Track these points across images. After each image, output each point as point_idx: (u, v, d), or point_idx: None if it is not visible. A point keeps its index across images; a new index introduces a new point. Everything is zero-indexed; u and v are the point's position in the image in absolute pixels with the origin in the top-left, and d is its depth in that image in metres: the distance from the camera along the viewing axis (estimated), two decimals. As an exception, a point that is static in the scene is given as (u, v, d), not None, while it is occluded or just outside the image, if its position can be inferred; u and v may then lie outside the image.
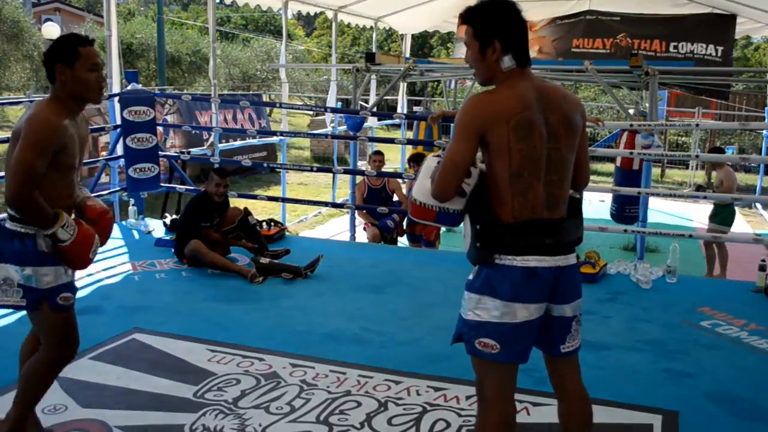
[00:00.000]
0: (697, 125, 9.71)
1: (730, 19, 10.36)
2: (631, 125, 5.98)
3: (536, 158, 2.08)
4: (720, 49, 10.20)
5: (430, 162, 2.25)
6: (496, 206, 2.11)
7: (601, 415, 2.94)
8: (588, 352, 3.62)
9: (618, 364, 3.61)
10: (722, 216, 6.68)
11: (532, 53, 11.99)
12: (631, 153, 5.98)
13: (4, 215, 2.59)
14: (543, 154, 2.09)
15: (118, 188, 6.90)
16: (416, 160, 6.64)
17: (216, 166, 6.32)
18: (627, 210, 7.08)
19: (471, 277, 2.19)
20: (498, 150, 2.06)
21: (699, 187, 7.12)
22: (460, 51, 12.59)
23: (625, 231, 6.21)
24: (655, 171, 17.61)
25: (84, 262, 2.54)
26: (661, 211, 8.33)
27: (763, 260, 5.06)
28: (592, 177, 12.50)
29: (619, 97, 17.66)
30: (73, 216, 2.55)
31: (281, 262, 5.22)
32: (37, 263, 2.46)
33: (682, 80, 8.71)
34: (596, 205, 10.97)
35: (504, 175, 2.07)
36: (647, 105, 6.84)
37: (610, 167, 14.26)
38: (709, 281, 6.04)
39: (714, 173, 6.69)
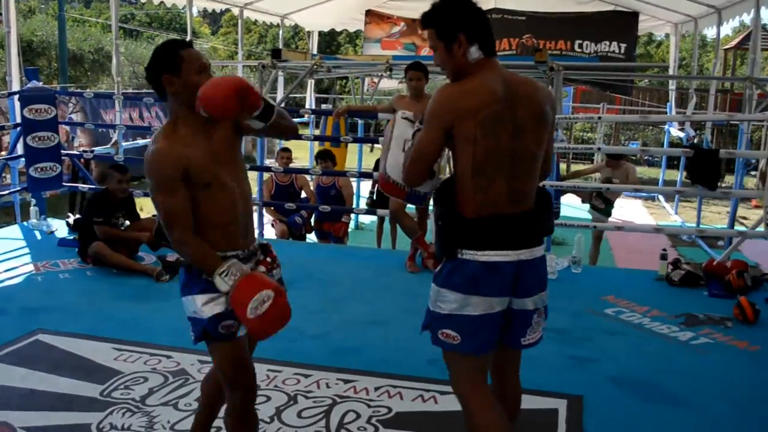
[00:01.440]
0: (599, 118, 10.15)
1: (632, 17, 10.86)
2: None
3: (501, 153, 2.07)
4: (623, 46, 10.69)
5: (403, 128, 2.31)
6: (460, 201, 2.13)
7: None
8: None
9: (525, 352, 3.73)
10: (608, 209, 6.93)
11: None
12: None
13: None
14: (508, 148, 2.08)
15: (19, 188, 6.64)
16: (323, 157, 6.68)
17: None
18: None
19: (436, 270, 2.22)
20: (464, 144, 2.06)
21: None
22: (369, 49, 12.71)
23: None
24: (561, 166, 18.29)
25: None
26: (567, 204, 8.67)
27: (664, 250, 5.36)
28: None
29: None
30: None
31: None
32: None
33: (587, 76, 9.12)
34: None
35: (467, 169, 2.08)
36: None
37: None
38: (614, 270, 6.29)
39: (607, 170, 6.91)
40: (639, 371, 3.51)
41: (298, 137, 8.02)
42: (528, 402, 3.06)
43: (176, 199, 2.12)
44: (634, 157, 20.18)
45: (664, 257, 5.20)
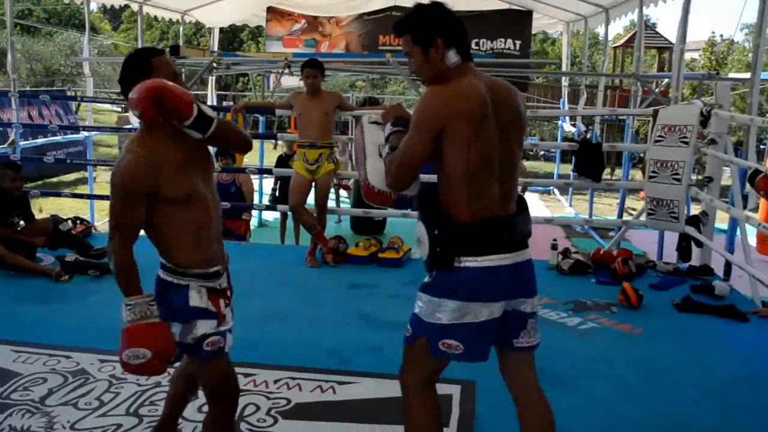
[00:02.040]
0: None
1: (526, 15, 11.22)
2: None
3: (491, 155, 2.05)
4: (518, 43, 11.03)
5: (374, 134, 2.24)
6: (451, 206, 2.08)
7: (386, 388, 3.12)
8: (393, 332, 3.87)
9: None
10: None
11: (340, 49, 12.27)
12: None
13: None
14: (497, 150, 2.06)
15: None
16: (223, 154, 6.62)
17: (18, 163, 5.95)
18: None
19: (428, 279, 2.15)
20: (456, 146, 2.01)
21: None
22: (271, 46, 12.64)
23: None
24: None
25: None
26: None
27: (555, 240, 5.61)
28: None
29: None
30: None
31: (88, 259, 5.03)
32: None
33: (482, 72, 9.37)
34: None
35: (460, 172, 2.03)
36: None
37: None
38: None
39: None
40: (529, 356, 3.67)
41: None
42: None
43: (132, 213, 2.09)
44: (531, 152, 20.94)
45: (554, 247, 5.45)
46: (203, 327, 2.19)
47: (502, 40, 10.89)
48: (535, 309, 2.23)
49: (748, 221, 4.71)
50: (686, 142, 4.95)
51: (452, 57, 2.10)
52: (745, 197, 4.98)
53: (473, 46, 10.66)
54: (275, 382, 3.21)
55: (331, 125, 5.39)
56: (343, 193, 9.65)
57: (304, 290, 4.65)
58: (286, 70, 7.67)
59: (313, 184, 5.35)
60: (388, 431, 2.82)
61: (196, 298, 2.19)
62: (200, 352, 2.20)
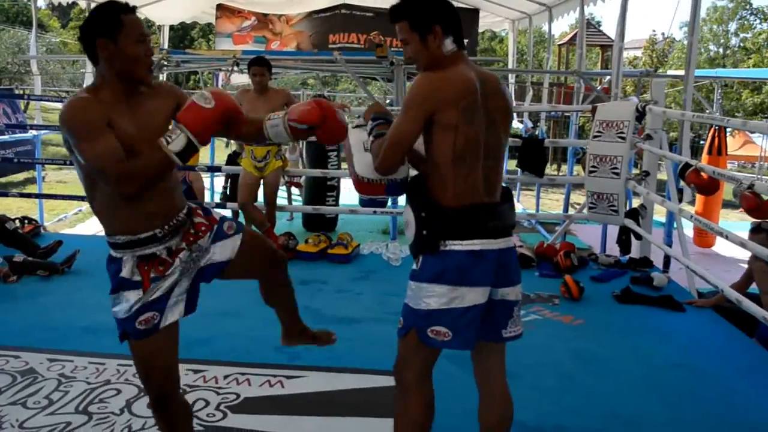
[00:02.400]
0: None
1: (473, 14, 11.36)
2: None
3: (477, 142, 2.08)
4: (465, 41, 11.20)
5: (358, 135, 2.23)
6: (437, 191, 2.11)
7: (353, 381, 3.25)
8: (342, 327, 3.95)
9: (368, 335, 3.90)
10: None
11: (291, 48, 12.21)
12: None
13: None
14: (483, 138, 2.09)
15: None
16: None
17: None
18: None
19: (415, 266, 2.15)
20: (444, 131, 2.04)
21: None
22: (221, 43, 12.55)
23: (375, 213, 6.67)
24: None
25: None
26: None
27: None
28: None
29: (379, 87, 18.55)
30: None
31: (37, 259, 4.99)
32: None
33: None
34: (353, 190, 11.48)
35: (447, 157, 2.06)
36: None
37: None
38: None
39: None
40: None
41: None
42: (371, 381, 3.25)
43: (105, 140, 1.93)
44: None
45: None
46: (131, 297, 2.10)
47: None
48: (519, 297, 2.25)
49: (681, 214, 4.91)
50: (623, 138, 5.13)
51: (449, 45, 2.14)
52: (680, 191, 5.17)
53: (420, 44, 10.77)
54: (225, 377, 3.26)
55: (279, 123, 5.42)
56: (294, 190, 9.67)
57: (254, 287, 4.64)
58: (235, 68, 7.67)
59: (262, 181, 5.38)
60: (334, 423, 2.90)
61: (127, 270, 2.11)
62: (133, 331, 2.11)
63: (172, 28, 13.86)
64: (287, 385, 3.22)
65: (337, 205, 8.80)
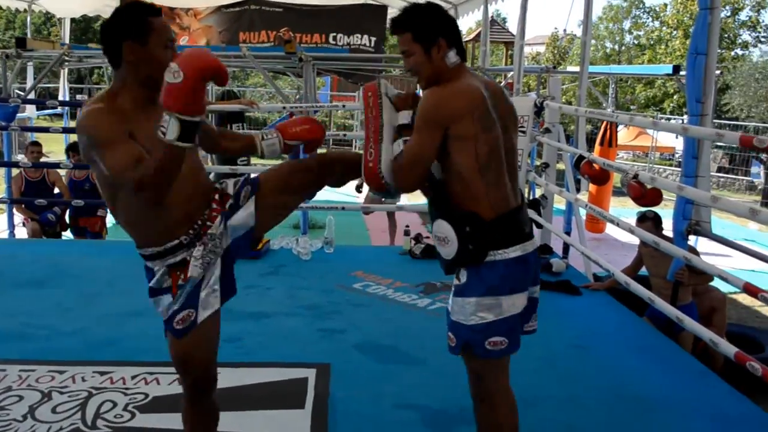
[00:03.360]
0: (343, 106, 10.70)
1: (381, 10, 11.44)
2: (284, 107, 6.50)
3: (498, 149, 2.10)
4: (373, 39, 11.21)
5: (391, 116, 2.17)
6: (470, 203, 2.09)
7: (263, 375, 3.27)
8: (251, 322, 3.98)
9: (278, 329, 3.94)
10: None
11: (201, 43, 11.97)
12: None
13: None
14: (502, 143, 2.12)
15: None
16: (75, 150, 6.42)
17: None
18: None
19: (460, 281, 2.15)
20: (464, 142, 2.04)
21: None
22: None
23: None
24: (322, 152, 18.86)
25: None
26: (332, 189, 9.10)
27: (407, 226, 5.87)
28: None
29: (290, 83, 18.47)
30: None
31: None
32: None
33: (338, 67, 9.56)
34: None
35: (473, 168, 2.06)
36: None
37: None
38: (363, 248, 6.76)
39: None
40: (381, 337, 3.84)
41: (45, 129, 7.58)
42: (281, 374, 3.29)
43: (125, 147, 1.85)
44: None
45: (407, 233, 5.72)
46: (165, 301, 2.12)
47: (359, 36, 11.02)
48: (538, 294, 2.30)
49: (577, 203, 5.18)
50: (524, 132, 5.34)
51: (452, 57, 2.14)
52: (578, 181, 5.44)
53: (330, 40, 10.76)
54: (132, 378, 3.24)
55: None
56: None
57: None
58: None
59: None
60: (245, 417, 2.93)
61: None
62: (173, 331, 2.11)
63: (73, 20, 13.39)
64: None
65: (248, 201, 8.77)
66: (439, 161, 2.12)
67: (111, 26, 1.96)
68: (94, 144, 1.87)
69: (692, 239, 4.68)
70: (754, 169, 17.82)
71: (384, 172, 2.15)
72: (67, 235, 6.87)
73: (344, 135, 13.55)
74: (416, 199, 11.77)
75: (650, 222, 4.50)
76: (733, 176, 18.08)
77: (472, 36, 19.67)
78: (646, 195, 3.85)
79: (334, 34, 10.90)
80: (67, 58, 7.44)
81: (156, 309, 2.16)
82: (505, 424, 2.23)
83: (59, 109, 9.08)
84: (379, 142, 2.17)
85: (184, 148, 1.80)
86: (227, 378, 3.22)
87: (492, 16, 11.58)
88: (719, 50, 5.25)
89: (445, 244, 2.14)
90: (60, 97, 11.73)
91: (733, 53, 25.70)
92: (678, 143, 16.81)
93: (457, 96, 2.07)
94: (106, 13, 13.45)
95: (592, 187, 9.34)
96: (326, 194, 9.19)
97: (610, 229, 9.43)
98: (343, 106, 10.92)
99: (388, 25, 11.98)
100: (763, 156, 16.00)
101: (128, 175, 1.82)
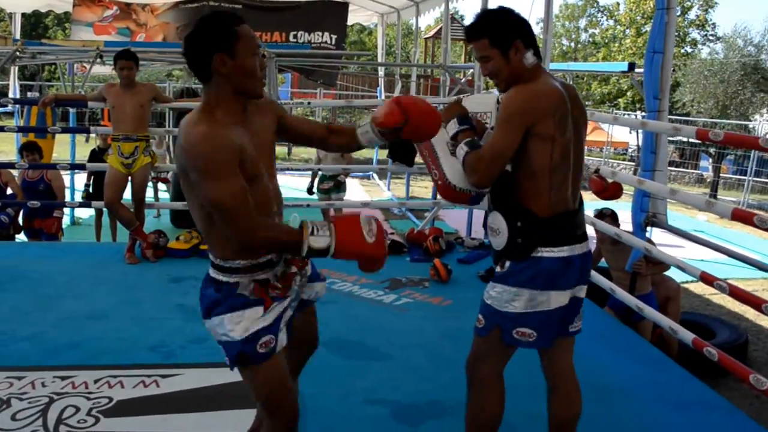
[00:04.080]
0: (309, 103, 10.66)
1: (343, 7, 11.41)
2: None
3: (569, 152, 2.16)
4: (334, 37, 11.20)
5: (441, 134, 2.21)
6: (531, 200, 2.16)
7: (232, 375, 3.18)
8: (196, 322, 3.93)
9: None
10: (338, 188, 7.45)
11: (158, 40, 11.76)
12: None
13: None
14: (572, 147, 2.18)
15: None
16: (29, 149, 6.24)
17: None
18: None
19: (503, 269, 2.22)
20: (543, 142, 2.10)
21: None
22: (80, 32, 11.94)
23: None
24: (283, 150, 18.77)
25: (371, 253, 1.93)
26: (290, 187, 9.02)
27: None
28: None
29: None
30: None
31: None
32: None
33: (299, 63, 9.50)
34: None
35: (545, 168, 2.12)
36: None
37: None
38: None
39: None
40: (349, 334, 3.84)
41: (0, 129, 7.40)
42: (233, 375, 3.28)
43: (237, 181, 1.84)
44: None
45: (371, 230, 5.71)
46: (253, 322, 2.00)
47: (319, 33, 11.00)
48: (583, 294, 2.34)
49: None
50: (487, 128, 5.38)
51: (530, 58, 2.17)
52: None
53: (291, 38, 10.71)
54: (95, 382, 3.17)
55: (146, 117, 5.29)
56: (161, 186, 9.42)
57: (123, 288, 4.57)
58: (98, 60, 7.35)
59: (130, 178, 5.23)
60: (212, 418, 2.89)
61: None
62: (253, 354, 1.99)
63: (24, 15, 13.06)
64: (162, 384, 3.17)
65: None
66: (516, 157, 2.18)
67: (198, 39, 1.90)
68: (204, 171, 1.82)
69: (648, 231, 4.77)
70: (703, 163, 18.47)
71: (455, 182, 2.23)
72: (22, 237, 6.69)
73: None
74: (379, 194, 11.82)
75: (608, 219, 4.58)
76: (684, 170, 18.55)
77: (431, 33, 19.77)
78: (607, 189, 3.92)
79: (295, 31, 10.85)
80: (20, 54, 7.24)
81: (227, 327, 2.00)
82: (488, 410, 2.30)
83: (10, 107, 8.81)
84: (438, 160, 2.28)
85: (301, 253, 1.89)
86: (193, 379, 3.22)
87: (452, 14, 11.64)
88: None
89: (496, 235, 2.23)
90: (10, 95, 11.41)
91: (683, 50, 26.32)
92: (632, 138, 17.17)
93: (543, 96, 2.12)
94: (59, 8, 13.29)
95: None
96: (288, 192, 9.15)
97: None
98: (309, 103, 10.81)
99: (348, 22, 11.98)
100: (712, 150, 16.46)
101: (232, 216, 1.84)
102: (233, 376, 3.17)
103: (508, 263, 2.21)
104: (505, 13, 2.21)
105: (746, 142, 4.56)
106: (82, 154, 9.53)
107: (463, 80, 9.58)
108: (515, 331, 2.20)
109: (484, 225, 5.81)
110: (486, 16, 2.21)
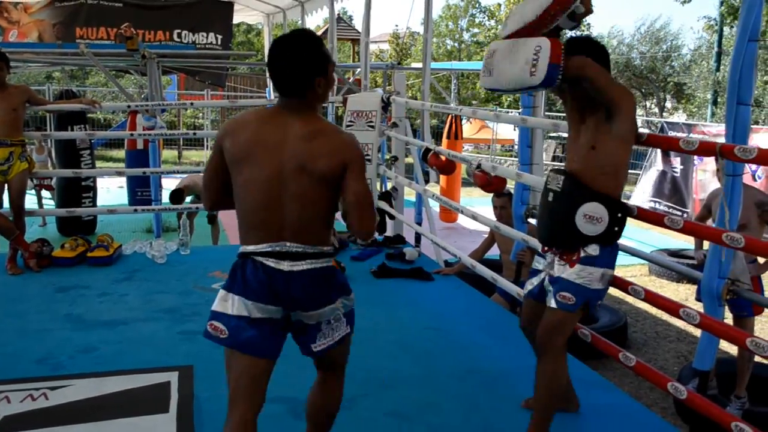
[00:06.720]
0: (191, 103, 10.50)
1: (228, 6, 11.24)
2: (129, 106, 6.30)
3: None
4: (220, 37, 11.02)
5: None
6: (615, 193, 2.51)
7: (122, 383, 3.19)
8: (107, 330, 3.86)
9: (135, 335, 3.82)
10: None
11: (32, 39, 11.22)
12: (132, 134, 6.27)
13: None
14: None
15: None
16: None
17: None
18: (139, 194, 7.37)
19: (590, 254, 2.52)
20: (631, 136, 2.49)
21: None
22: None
23: (135, 211, 6.50)
24: (173, 153, 18.33)
25: None
26: (168, 188, 8.88)
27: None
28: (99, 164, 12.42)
29: (134, 81, 17.73)
30: None
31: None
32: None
33: (184, 64, 9.33)
34: (116, 192, 10.97)
35: (626, 165, 2.56)
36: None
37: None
38: (220, 248, 6.65)
39: None
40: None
41: None
42: (143, 380, 3.21)
43: None
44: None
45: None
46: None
47: (204, 34, 10.78)
48: None
49: (425, 194, 5.43)
50: (372, 126, 5.51)
51: None
52: (426, 173, 5.68)
53: (174, 37, 10.47)
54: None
55: (20, 121, 5.09)
56: (46, 193, 9.02)
57: (6, 300, 4.39)
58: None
59: (6, 185, 5.02)
60: (104, 427, 2.84)
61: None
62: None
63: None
64: (52, 397, 3.08)
65: (94, 206, 8.40)
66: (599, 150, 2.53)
67: (307, 64, 2.06)
68: (364, 166, 2.13)
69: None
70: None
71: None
72: None
73: (194, 134, 13.24)
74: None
75: (506, 197, 4.77)
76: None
77: (319, 33, 19.81)
78: (492, 182, 4.12)
79: (179, 31, 10.60)
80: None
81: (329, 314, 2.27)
82: (562, 375, 2.63)
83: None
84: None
85: None
86: (84, 389, 3.15)
87: (338, 14, 11.73)
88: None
89: (596, 223, 2.50)
90: None
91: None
92: (516, 135, 17.84)
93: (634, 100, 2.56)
94: None
95: (442, 179, 9.76)
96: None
97: (462, 219, 9.89)
98: (191, 104, 10.61)
99: (235, 22, 11.82)
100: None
101: (365, 200, 2.10)
102: (126, 383, 3.20)
103: (596, 248, 2.52)
104: (592, 41, 2.65)
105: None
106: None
107: (351, 80, 9.71)
108: (597, 305, 2.71)
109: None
110: (582, 43, 2.60)
